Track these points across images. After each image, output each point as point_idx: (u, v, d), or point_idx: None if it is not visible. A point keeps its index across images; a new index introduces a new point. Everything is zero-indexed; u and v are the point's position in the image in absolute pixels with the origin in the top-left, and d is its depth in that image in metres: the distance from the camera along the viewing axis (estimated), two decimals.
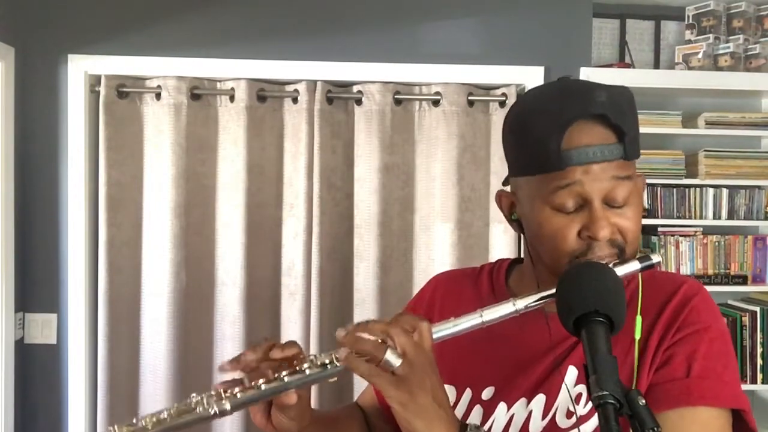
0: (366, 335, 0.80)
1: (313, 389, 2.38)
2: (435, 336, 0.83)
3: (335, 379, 0.83)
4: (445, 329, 0.84)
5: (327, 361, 0.81)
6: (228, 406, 0.80)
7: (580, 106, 0.84)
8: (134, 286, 2.40)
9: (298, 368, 0.82)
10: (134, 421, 0.80)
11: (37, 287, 2.36)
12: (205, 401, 0.79)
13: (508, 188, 0.99)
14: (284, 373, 0.81)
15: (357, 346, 0.79)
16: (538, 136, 0.85)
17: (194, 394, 0.81)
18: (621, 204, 0.86)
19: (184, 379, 2.36)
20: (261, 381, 0.81)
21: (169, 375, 2.35)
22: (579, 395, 0.90)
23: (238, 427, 2.39)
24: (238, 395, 0.80)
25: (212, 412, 0.79)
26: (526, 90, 2.41)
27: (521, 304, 0.85)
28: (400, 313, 0.85)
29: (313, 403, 2.39)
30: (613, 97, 0.86)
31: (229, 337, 2.39)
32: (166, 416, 0.79)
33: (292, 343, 0.85)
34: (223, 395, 0.80)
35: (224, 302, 2.41)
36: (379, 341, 0.79)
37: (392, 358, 0.77)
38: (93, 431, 2.39)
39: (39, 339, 2.36)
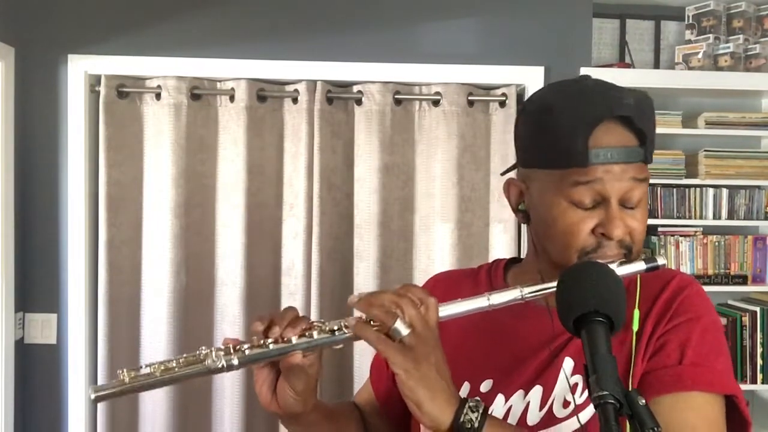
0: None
1: None
2: (441, 314, 0.84)
3: (341, 346, 0.85)
4: (451, 308, 0.86)
5: (335, 328, 0.83)
6: (236, 361, 0.81)
7: (608, 106, 0.87)
8: (134, 286, 2.40)
9: (306, 333, 0.84)
10: (143, 366, 0.81)
11: (37, 287, 2.36)
12: (213, 354, 0.81)
13: (513, 176, 1.00)
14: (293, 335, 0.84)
15: (369, 311, 0.81)
16: (564, 132, 0.87)
17: (203, 347, 0.82)
18: (634, 205, 0.89)
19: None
20: (270, 340, 0.83)
21: None
22: (575, 385, 0.91)
23: (238, 424, 2.39)
24: (247, 351, 0.82)
25: (220, 365, 0.81)
26: (526, 90, 2.41)
27: (527, 291, 0.87)
28: (410, 284, 0.86)
29: None
30: (638, 101, 0.88)
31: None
32: (174, 365, 0.81)
33: (301, 319, 0.87)
34: (231, 350, 0.82)
35: (224, 302, 2.41)
36: (390, 310, 0.81)
37: (401, 327, 0.79)
38: (93, 425, 2.39)
39: (39, 339, 2.36)
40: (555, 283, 0.85)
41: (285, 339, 0.83)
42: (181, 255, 2.37)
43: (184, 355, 0.82)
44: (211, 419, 2.43)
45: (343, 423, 1.05)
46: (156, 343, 2.38)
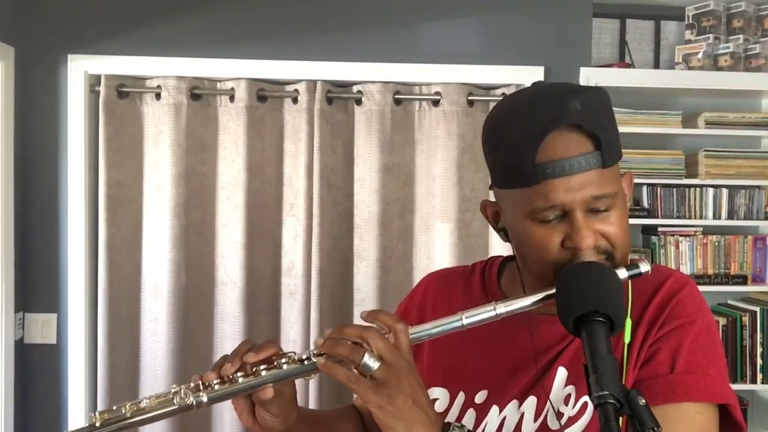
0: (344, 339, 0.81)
1: (313, 391, 2.38)
2: (412, 337, 0.83)
3: (312, 377, 0.84)
4: (423, 331, 0.84)
5: (304, 357, 0.83)
6: (205, 399, 0.82)
7: (553, 116, 0.82)
8: (134, 286, 2.40)
9: (276, 363, 0.83)
10: (113, 408, 0.81)
11: (37, 287, 2.36)
12: (182, 392, 0.82)
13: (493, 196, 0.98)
14: (262, 367, 0.83)
15: (334, 351, 0.80)
16: (512, 150, 0.84)
17: (174, 385, 0.83)
18: (603, 210, 0.85)
19: (183, 380, 2.35)
20: (239, 374, 0.83)
21: (169, 375, 2.35)
22: (568, 396, 0.89)
23: (238, 427, 2.38)
24: (216, 387, 0.82)
25: (189, 403, 0.81)
26: None
27: (502, 309, 0.84)
28: (377, 310, 0.85)
29: (313, 404, 2.40)
30: (586, 102, 0.83)
31: (229, 337, 2.39)
32: (145, 405, 0.82)
33: (269, 344, 0.86)
34: (201, 387, 0.82)
35: (224, 302, 2.41)
36: (357, 344, 0.80)
37: (370, 362, 0.77)
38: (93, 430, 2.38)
39: (39, 339, 2.36)
40: (531, 301, 0.85)
41: (254, 371, 0.83)
42: (181, 255, 2.37)
43: (155, 394, 0.83)
44: (211, 424, 2.43)
45: (335, 428, 1.05)
46: (156, 343, 2.38)
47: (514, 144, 0.83)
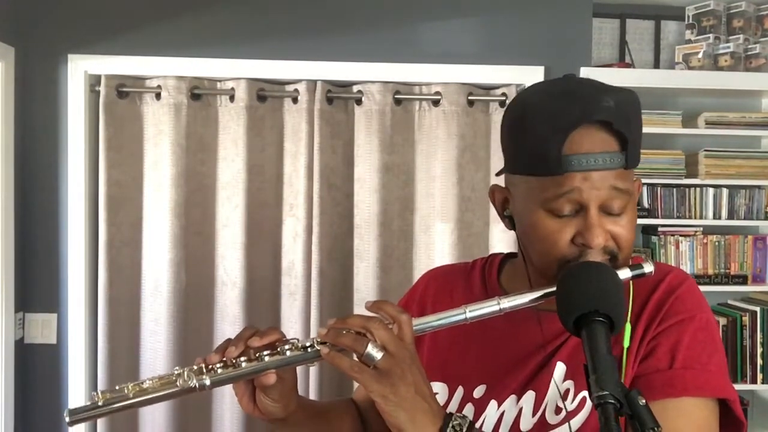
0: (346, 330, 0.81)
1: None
2: (416, 328, 0.83)
3: (315, 365, 0.84)
4: (426, 323, 0.85)
5: (308, 344, 0.83)
6: (208, 382, 0.82)
7: (585, 110, 0.82)
8: (134, 286, 2.40)
9: (279, 350, 0.83)
10: (116, 387, 0.82)
11: (37, 287, 2.36)
12: (185, 374, 0.82)
13: (501, 182, 0.97)
14: (265, 353, 0.83)
15: (338, 341, 0.80)
16: (539, 138, 0.83)
17: (177, 368, 0.83)
18: (617, 212, 0.85)
19: None
20: (242, 359, 0.83)
21: None
22: (567, 391, 0.90)
23: (238, 427, 2.39)
24: (219, 371, 0.82)
25: (192, 385, 0.81)
26: None
27: (506, 304, 0.85)
28: (382, 300, 0.85)
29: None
30: (620, 103, 0.84)
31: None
32: (148, 386, 0.82)
33: (272, 330, 0.86)
34: (204, 370, 0.82)
35: (224, 302, 2.41)
36: (360, 334, 0.80)
37: (373, 352, 0.78)
38: (93, 431, 2.39)
39: (39, 339, 2.36)
40: (536, 296, 0.85)
41: (257, 356, 0.83)
42: (181, 255, 2.37)
43: (158, 376, 0.83)
44: (211, 422, 2.43)
45: (335, 419, 1.05)
46: (156, 343, 2.38)
47: (542, 132, 0.83)
